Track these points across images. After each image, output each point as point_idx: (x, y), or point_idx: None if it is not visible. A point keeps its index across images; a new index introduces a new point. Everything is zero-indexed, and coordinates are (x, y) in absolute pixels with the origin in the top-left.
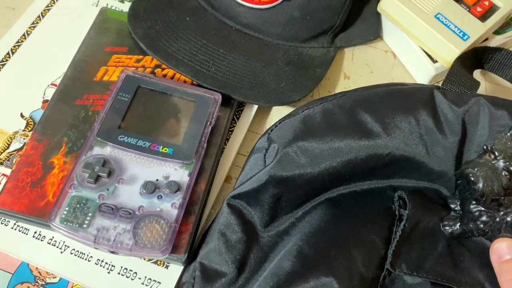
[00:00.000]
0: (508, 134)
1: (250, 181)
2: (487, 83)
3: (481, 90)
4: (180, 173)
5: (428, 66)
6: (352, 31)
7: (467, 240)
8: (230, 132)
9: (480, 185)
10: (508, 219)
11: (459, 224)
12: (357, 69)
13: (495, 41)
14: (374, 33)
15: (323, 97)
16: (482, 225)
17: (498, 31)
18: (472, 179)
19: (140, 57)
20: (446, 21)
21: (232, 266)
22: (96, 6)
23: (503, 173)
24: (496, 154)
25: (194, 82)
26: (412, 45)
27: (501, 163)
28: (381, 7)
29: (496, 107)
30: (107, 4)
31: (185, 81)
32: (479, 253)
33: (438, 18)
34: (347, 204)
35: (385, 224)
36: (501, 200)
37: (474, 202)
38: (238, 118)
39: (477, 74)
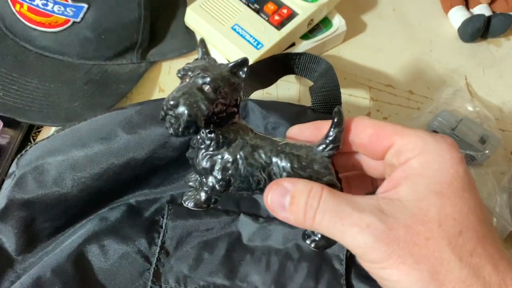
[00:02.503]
0: (198, 58)
1: None
2: (301, 86)
3: (294, 94)
4: None
5: None
6: (164, 45)
7: (253, 242)
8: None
9: (182, 106)
10: (240, 154)
11: (199, 191)
12: (174, 82)
13: (302, 46)
14: (187, 46)
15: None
16: (220, 173)
17: (308, 35)
18: (172, 102)
19: None
20: (242, 32)
21: None
22: None
23: (205, 88)
24: (191, 73)
25: None
26: (219, 56)
27: (199, 79)
28: (186, 21)
29: (265, 109)
30: None
31: None
32: (261, 254)
33: (234, 29)
34: (112, 221)
35: (148, 238)
36: (218, 136)
37: (200, 156)
38: (35, 139)
39: (291, 78)
